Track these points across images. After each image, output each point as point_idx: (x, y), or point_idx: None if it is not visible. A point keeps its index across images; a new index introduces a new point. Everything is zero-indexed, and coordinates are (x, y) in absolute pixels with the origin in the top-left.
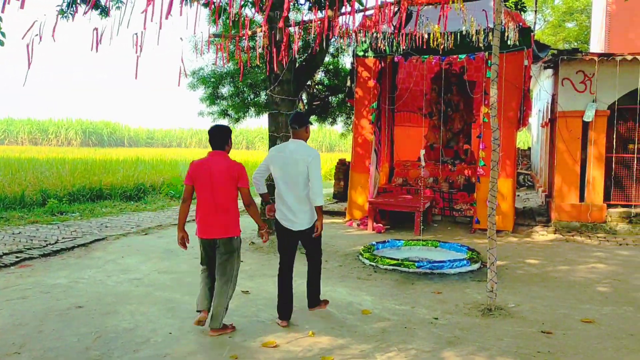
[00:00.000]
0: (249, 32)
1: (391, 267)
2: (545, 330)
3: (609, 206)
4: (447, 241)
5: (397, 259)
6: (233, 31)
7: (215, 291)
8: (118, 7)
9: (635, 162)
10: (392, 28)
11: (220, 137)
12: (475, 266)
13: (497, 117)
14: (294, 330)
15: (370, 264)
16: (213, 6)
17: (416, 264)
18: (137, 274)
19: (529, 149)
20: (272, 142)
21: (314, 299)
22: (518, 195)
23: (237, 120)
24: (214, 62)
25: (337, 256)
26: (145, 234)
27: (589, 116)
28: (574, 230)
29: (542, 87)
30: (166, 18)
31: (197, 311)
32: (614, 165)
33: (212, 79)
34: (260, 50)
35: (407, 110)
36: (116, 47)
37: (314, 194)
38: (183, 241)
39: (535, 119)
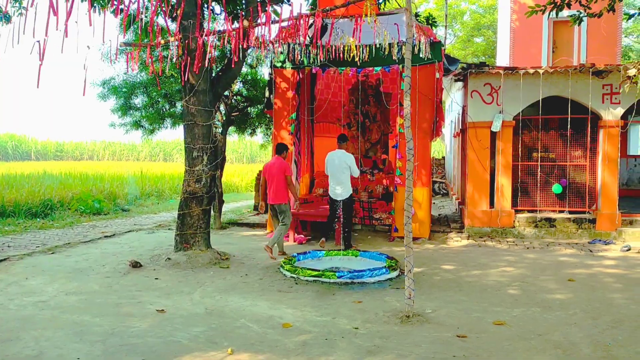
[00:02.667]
0: (162, 41)
1: (312, 278)
2: (460, 335)
3: (517, 212)
4: (367, 250)
5: (318, 270)
6: (145, 40)
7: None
8: (21, 14)
9: (539, 169)
10: (308, 39)
11: (280, 149)
12: (394, 274)
13: (411, 127)
14: (212, 348)
15: (291, 276)
16: (121, 14)
17: (337, 274)
18: (43, 297)
19: (443, 158)
20: (189, 153)
21: (348, 244)
22: (434, 203)
23: (152, 131)
24: (125, 71)
25: (258, 269)
26: (52, 253)
27: (496, 126)
28: (486, 235)
29: (453, 99)
30: (65, 22)
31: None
32: (520, 173)
33: (124, 89)
34: (174, 59)
35: (326, 121)
36: (21, 55)
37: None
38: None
39: (448, 129)
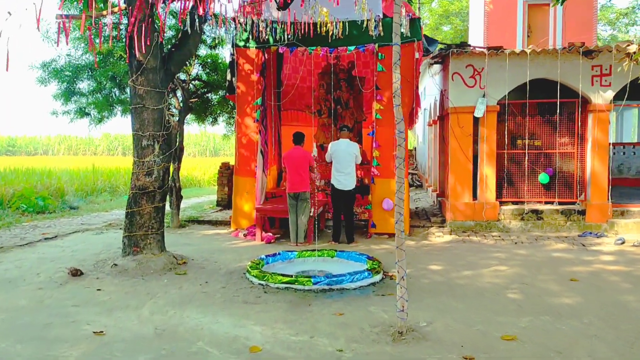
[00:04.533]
0: (104, 12)
1: (284, 286)
2: (467, 357)
3: (502, 204)
4: (344, 249)
5: (290, 275)
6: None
7: (298, 221)
8: None
9: (526, 157)
10: (274, 15)
11: (299, 138)
12: (377, 277)
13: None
14: None
15: (259, 283)
16: None
17: (312, 279)
18: None
19: (414, 149)
20: (138, 142)
21: (351, 237)
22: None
23: (100, 120)
24: (69, 52)
25: (220, 275)
26: None
27: (479, 111)
28: (469, 229)
29: (430, 83)
30: None
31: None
32: (504, 162)
33: (67, 72)
34: (120, 32)
35: (295, 108)
36: None
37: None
38: None
39: (421, 118)
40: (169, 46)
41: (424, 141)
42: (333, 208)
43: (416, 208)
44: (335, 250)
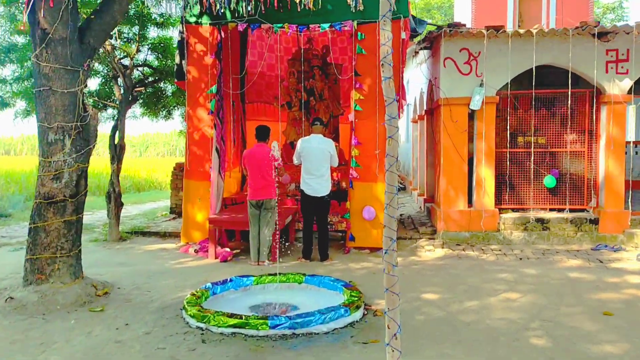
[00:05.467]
0: None
1: (230, 330)
2: None
3: (501, 211)
4: (316, 273)
5: (240, 316)
6: None
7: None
8: None
9: (532, 156)
10: None
11: (262, 134)
12: (357, 315)
13: (392, 81)
14: None
15: (197, 326)
16: None
17: (269, 321)
18: None
19: None
20: (43, 136)
21: (325, 254)
22: None
23: (28, 113)
24: None
25: (148, 313)
26: None
27: (476, 103)
28: (464, 242)
29: (414, 75)
30: None
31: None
32: (506, 163)
33: None
34: None
35: (262, 100)
36: None
37: None
38: None
39: (404, 114)
40: (89, 12)
41: (407, 139)
42: (303, 218)
43: (401, 215)
44: (304, 275)
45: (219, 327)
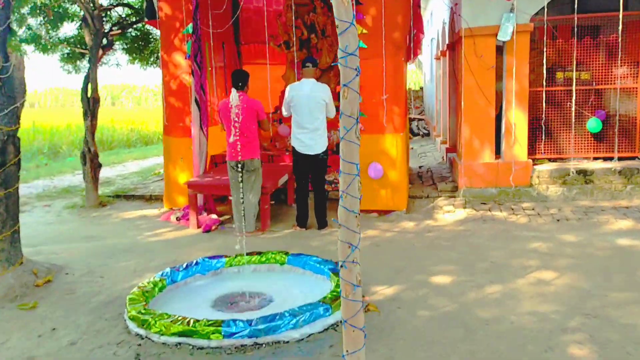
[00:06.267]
0: None
1: (174, 340)
2: None
3: (535, 162)
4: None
5: (187, 320)
6: None
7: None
8: None
9: (574, 95)
10: None
11: (238, 79)
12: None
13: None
14: None
15: (137, 333)
16: None
17: (222, 328)
18: None
19: (422, 89)
20: None
21: (323, 220)
22: (412, 149)
23: None
24: None
25: (87, 310)
26: None
27: (505, 33)
28: (491, 199)
29: (437, 6)
30: None
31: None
32: (542, 105)
33: None
34: None
35: (258, 41)
36: None
37: None
38: None
39: (427, 51)
40: None
41: (431, 79)
42: (296, 180)
43: (420, 168)
44: (287, 254)
45: (162, 335)
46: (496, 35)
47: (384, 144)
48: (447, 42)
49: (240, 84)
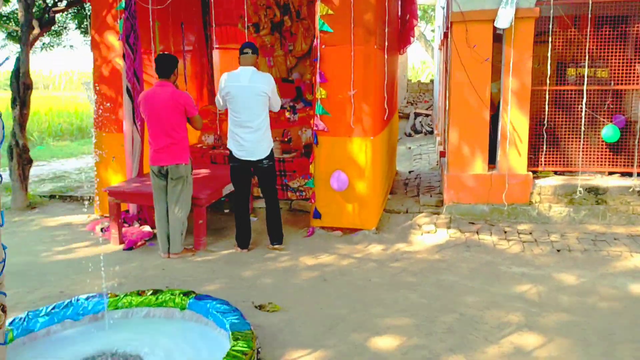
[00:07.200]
0: None
1: None
2: None
3: (536, 175)
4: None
5: None
6: None
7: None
8: None
9: (583, 98)
10: None
11: (164, 66)
12: None
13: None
14: None
15: None
16: None
17: None
18: None
19: (432, 81)
20: None
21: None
22: (409, 148)
23: None
24: None
25: None
26: None
27: (504, 20)
28: (482, 218)
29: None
30: None
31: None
32: (546, 107)
33: None
34: None
35: (231, 23)
36: None
37: None
38: None
39: (437, 38)
40: None
41: (437, 71)
42: (235, 191)
43: (409, 173)
44: (190, 295)
45: None
46: (493, 21)
47: (351, 149)
48: (444, 30)
49: (165, 71)
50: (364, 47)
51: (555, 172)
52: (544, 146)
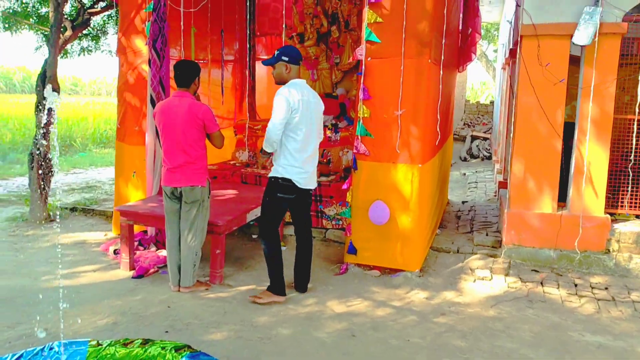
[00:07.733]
0: None
1: None
2: None
3: (614, 219)
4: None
5: None
6: None
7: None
8: None
9: None
10: None
11: (184, 74)
12: None
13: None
14: None
15: None
16: None
17: None
18: None
19: (492, 103)
20: None
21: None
22: (463, 175)
23: None
24: None
25: None
26: None
27: (584, 36)
28: (547, 265)
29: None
30: None
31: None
32: (632, 139)
33: None
34: None
35: (274, 33)
36: None
37: None
38: None
39: (500, 57)
40: None
41: (498, 93)
42: (268, 227)
43: (463, 204)
44: (184, 350)
45: None
46: (571, 36)
47: (395, 177)
48: (510, 47)
49: (184, 80)
50: (416, 60)
51: (638, 217)
52: (627, 184)
